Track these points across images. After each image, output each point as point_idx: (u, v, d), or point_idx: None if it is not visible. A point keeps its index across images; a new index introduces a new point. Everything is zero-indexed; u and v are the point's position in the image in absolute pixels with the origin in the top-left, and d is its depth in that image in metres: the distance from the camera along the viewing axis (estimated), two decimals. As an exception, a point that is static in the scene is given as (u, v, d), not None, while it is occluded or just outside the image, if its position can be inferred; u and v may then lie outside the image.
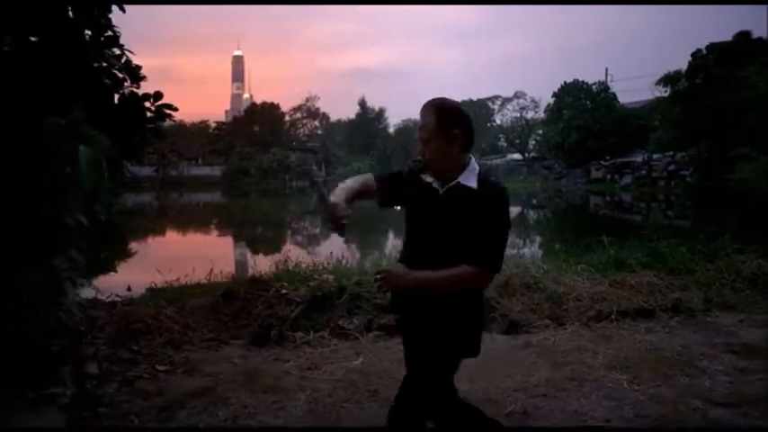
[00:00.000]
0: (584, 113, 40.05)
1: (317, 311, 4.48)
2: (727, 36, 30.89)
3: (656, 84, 31.97)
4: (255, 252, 12.29)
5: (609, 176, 39.25)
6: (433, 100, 1.95)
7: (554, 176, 44.75)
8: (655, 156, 34.95)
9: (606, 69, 44.85)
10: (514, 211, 25.17)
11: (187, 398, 2.85)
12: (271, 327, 4.21)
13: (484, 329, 2.08)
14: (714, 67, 29.18)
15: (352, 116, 60.60)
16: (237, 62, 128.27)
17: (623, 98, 42.21)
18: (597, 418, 2.76)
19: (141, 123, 4.66)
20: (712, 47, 30.33)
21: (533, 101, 51.60)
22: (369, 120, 56.34)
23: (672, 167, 33.80)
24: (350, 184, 2.03)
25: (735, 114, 25.71)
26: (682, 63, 31.89)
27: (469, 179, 1.89)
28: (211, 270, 5.54)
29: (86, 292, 4.71)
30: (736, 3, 26.59)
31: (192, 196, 37.97)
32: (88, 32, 4.09)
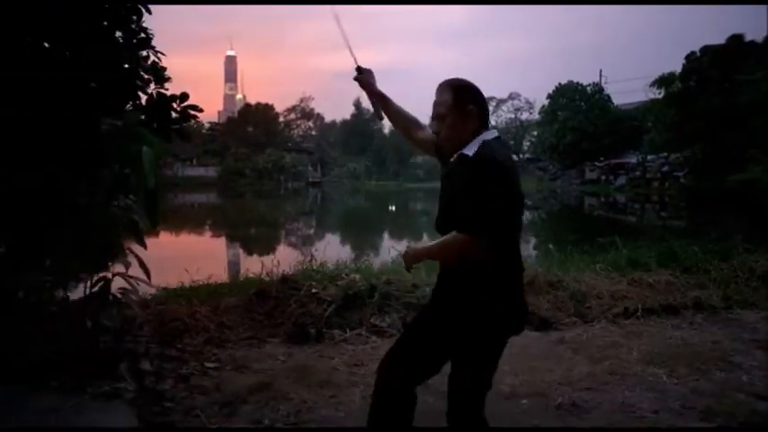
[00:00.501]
0: (578, 115, 40.40)
1: (350, 310, 4.56)
2: (721, 38, 31.21)
3: (651, 85, 32.30)
4: (262, 253, 12.36)
5: (603, 177, 39.66)
6: (449, 79, 2.01)
7: (549, 177, 45.09)
8: (649, 157, 35.31)
9: (600, 71, 45.33)
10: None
11: (246, 393, 2.92)
12: (305, 325, 4.29)
13: (521, 312, 1.99)
14: (708, 69, 29.53)
15: (347, 117, 60.67)
16: (230, 62, 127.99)
17: (617, 99, 42.67)
18: (645, 409, 2.86)
19: (168, 124, 4.73)
20: (706, 49, 30.69)
21: (528, 102, 52.00)
22: (364, 120, 56.37)
23: (666, 169, 34.20)
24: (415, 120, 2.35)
25: (729, 117, 26.06)
26: (675, 65, 32.29)
27: (471, 148, 1.90)
28: (225, 269, 5.61)
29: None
30: (737, 3, 26.88)
31: (188, 197, 37.84)
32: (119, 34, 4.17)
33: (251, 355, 3.68)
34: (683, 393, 3.05)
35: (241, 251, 13.66)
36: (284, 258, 5.78)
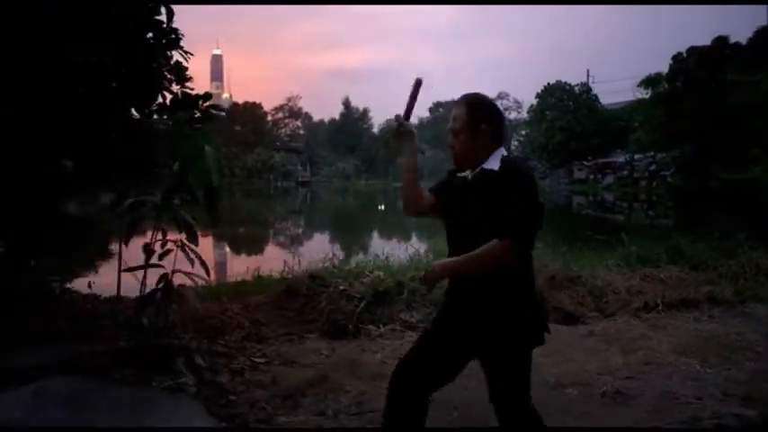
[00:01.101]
0: (567, 114, 40.82)
1: (380, 306, 4.66)
2: (706, 39, 31.83)
3: (638, 85, 32.78)
4: (263, 251, 12.40)
5: (591, 177, 40.11)
6: (467, 94, 2.06)
7: (537, 177, 45.45)
8: (636, 156, 35.81)
9: (588, 71, 45.81)
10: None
11: (305, 386, 3.01)
12: (337, 321, 4.39)
13: (545, 317, 2.10)
14: (694, 70, 30.06)
15: (335, 116, 60.61)
16: (216, 61, 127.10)
17: (604, 99, 43.16)
18: (687, 396, 3.00)
19: (191, 124, 4.80)
20: (692, 50, 31.20)
21: (516, 102, 52.43)
22: (353, 120, 56.50)
23: (653, 168, 34.69)
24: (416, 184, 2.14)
25: (716, 117, 26.59)
26: (660, 66, 32.81)
27: (493, 163, 1.95)
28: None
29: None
30: (736, 3, 27.32)
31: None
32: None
33: (293, 350, 3.77)
34: (719, 381, 3.20)
35: (247, 250, 13.64)
36: (283, 257, 5.83)
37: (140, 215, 3.27)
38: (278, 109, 60.59)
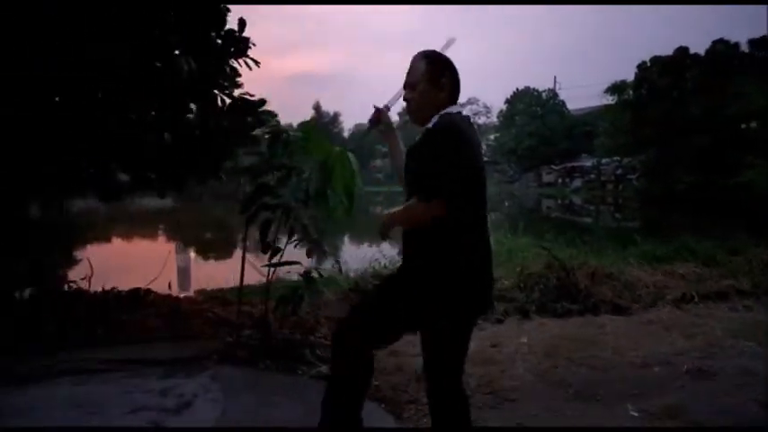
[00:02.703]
0: (535, 120, 42.06)
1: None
2: (664, 49, 33.41)
3: (605, 92, 34.14)
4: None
5: (560, 180, 41.37)
6: (425, 50, 2.02)
7: (506, 180, 46.57)
8: (603, 161, 37.19)
9: (555, 78, 47.34)
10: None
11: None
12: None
13: (486, 292, 1.99)
14: (657, 79, 31.54)
15: (304, 120, 60.32)
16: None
17: (570, 105, 44.67)
18: (762, 372, 3.43)
19: (247, 129, 5.05)
20: (655, 60, 32.72)
21: (486, 106, 53.52)
22: (323, 124, 56.50)
23: (619, 172, 36.09)
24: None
25: (679, 124, 27.99)
26: (619, 73, 34.18)
27: (433, 121, 1.92)
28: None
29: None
30: (736, 3, 28.61)
31: (139, 201, 36.62)
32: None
33: (389, 342, 4.04)
34: (788, 360, 3.64)
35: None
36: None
37: (268, 219, 3.49)
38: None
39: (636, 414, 2.86)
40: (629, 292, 5.61)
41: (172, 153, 4.64)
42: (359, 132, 53.92)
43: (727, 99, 26.43)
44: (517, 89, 44.51)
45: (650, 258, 7.03)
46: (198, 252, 13.69)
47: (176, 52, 4.13)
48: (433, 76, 1.95)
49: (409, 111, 2.03)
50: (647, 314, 4.84)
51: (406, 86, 2.01)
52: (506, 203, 34.96)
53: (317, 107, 58.04)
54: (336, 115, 58.05)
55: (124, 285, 4.58)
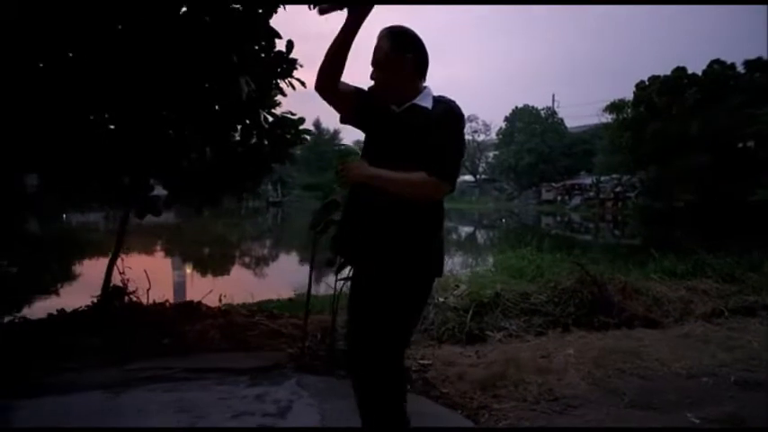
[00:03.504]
0: (534, 137, 42.55)
1: (483, 316, 5.13)
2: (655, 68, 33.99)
3: (604, 110, 34.70)
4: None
5: (559, 198, 41.73)
6: (389, 26, 1.97)
7: (506, 198, 46.91)
8: (603, 178, 37.60)
9: (553, 95, 48.00)
10: (468, 230, 26.64)
11: (494, 380, 3.44)
12: (453, 329, 4.83)
13: (439, 264, 2.03)
14: (656, 97, 32.07)
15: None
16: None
17: (568, 123, 45.27)
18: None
19: (285, 147, 5.23)
20: (653, 79, 33.30)
21: (485, 124, 54.04)
22: (324, 140, 56.87)
23: (618, 190, 36.48)
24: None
25: (678, 142, 28.42)
26: (615, 92, 34.76)
27: (424, 101, 1.94)
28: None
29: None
30: (736, 3, 29.03)
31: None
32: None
33: (440, 353, 4.17)
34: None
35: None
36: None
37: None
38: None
39: (697, 421, 3.00)
40: (657, 307, 5.78)
41: (213, 170, 4.79)
42: (360, 148, 54.19)
43: (724, 118, 26.92)
44: (516, 107, 45.10)
45: (670, 274, 7.21)
46: (231, 266, 13.90)
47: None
48: (398, 52, 1.92)
49: (376, 89, 1.99)
50: (681, 328, 5.00)
51: (372, 65, 1.96)
52: (504, 220, 35.23)
53: (317, 124, 58.39)
54: (336, 132, 58.41)
55: (159, 297, 4.67)
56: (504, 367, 3.70)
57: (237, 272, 13.09)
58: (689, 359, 4.06)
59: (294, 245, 22.94)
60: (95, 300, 4.11)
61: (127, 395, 2.72)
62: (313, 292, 6.37)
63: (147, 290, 4.43)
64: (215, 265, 14.28)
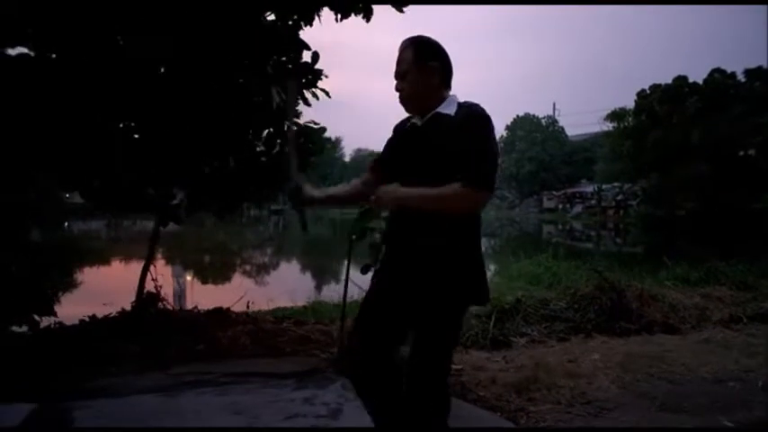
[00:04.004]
0: (535, 145, 42.78)
1: (504, 323, 5.21)
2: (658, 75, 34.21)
3: (605, 119, 34.94)
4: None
5: (561, 206, 41.89)
6: (409, 37, 1.96)
7: (507, 206, 47.05)
8: (604, 186, 37.77)
9: (554, 104, 48.33)
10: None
11: (527, 383, 3.51)
12: (474, 336, 4.90)
13: (485, 286, 1.92)
14: (657, 106, 32.32)
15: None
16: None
17: (569, 131, 45.51)
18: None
19: (306, 155, 5.32)
20: (654, 87, 33.58)
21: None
22: (325, 150, 57.26)
23: (620, 197, 36.65)
24: (348, 186, 2.21)
25: (680, 150, 28.62)
26: (623, 100, 35.06)
27: (448, 108, 1.88)
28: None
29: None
30: (736, 3, 29.15)
31: (147, 223, 36.52)
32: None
33: (468, 358, 4.25)
34: None
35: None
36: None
37: (374, 242, 3.72)
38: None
39: (731, 425, 3.07)
40: (673, 314, 5.86)
41: (236, 178, 4.87)
42: (360, 156, 54.47)
43: (725, 127, 27.14)
44: (517, 116, 45.38)
45: (683, 281, 7.30)
46: (242, 273, 14.00)
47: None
48: (422, 61, 1.90)
49: (402, 101, 1.97)
50: (701, 334, 5.07)
51: (396, 77, 1.95)
52: (505, 228, 35.31)
53: (318, 131, 58.79)
54: (338, 140, 58.69)
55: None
56: (535, 371, 3.77)
57: (248, 280, 13.16)
58: (713, 364, 4.13)
59: (296, 252, 23.08)
60: (132, 305, 4.18)
61: (180, 398, 2.78)
62: (327, 299, 6.53)
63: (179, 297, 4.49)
64: (228, 271, 14.39)
